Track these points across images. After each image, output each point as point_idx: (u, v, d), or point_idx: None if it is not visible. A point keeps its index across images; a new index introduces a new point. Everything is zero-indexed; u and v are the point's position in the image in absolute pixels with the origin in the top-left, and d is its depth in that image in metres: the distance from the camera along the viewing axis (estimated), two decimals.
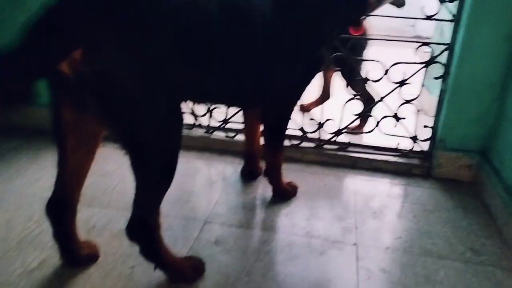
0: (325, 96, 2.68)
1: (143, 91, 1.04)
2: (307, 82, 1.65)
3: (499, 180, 1.79)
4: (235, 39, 1.32)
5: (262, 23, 1.38)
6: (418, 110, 2.08)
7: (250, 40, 1.36)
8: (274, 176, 1.80)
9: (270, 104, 1.64)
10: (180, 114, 1.18)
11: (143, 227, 1.23)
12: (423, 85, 2.10)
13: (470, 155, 2.00)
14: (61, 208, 1.27)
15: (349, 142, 2.21)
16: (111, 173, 1.89)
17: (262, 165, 1.92)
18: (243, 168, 2.01)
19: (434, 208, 1.81)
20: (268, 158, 1.79)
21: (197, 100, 1.48)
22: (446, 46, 1.96)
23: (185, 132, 2.28)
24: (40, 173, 1.90)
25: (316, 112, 2.70)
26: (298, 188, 1.87)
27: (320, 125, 2.21)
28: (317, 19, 1.53)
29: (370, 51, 2.48)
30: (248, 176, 1.98)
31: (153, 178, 1.18)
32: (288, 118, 1.70)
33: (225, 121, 2.26)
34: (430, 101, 2.52)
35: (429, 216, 1.75)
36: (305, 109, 2.73)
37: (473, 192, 1.94)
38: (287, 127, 1.71)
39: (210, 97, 1.50)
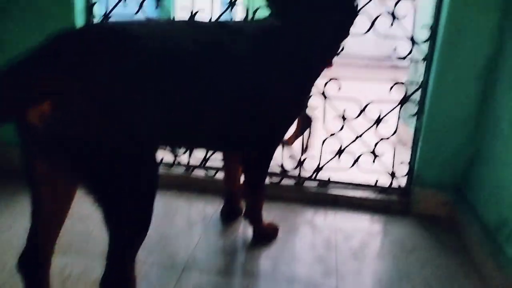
0: (304, 125, 2.67)
1: (111, 141, 1.02)
2: (290, 124, 1.66)
3: (475, 218, 1.82)
4: (215, 84, 1.32)
5: (244, 68, 1.39)
6: (395, 148, 2.11)
7: (232, 86, 1.37)
8: (254, 218, 1.79)
9: (251, 148, 1.64)
10: (154, 161, 1.16)
11: (118, 280, 1.20)
12: (399, 118, 2.13)
13: (447, 191, 2.03)
14: (34, 263, 1.23)
15: (329, 179, 2.22)
16: (88, 217, 1.85)
17: (243, 204, 1.91)
18: (223, 208, 1.99)
19: (413, 248, 1.81)
20: (248, 200, 1.78)
21: (174, 145, 1.47)
22: (419, 85, 2.02)
23: (164, 171, 2.26)
24: (14, 219, 1.85)
25: (295, 147, 2.72)
26: (278, 228, 1.86)
27: (300, 162, 2.22)
28: (301, 64, 1.56)
29: (349, 85, 2.53)
30: (229, 216, 1.96)
31: (127, 230, 1.16)
32: (269, 161, 1.70)
33: (205, 159, 2.25)
34: (408, 133, 2.57)
35: (409, 256, 1.75)
36: (287, 143, 2.73)
37: (451, 229, 1.96)
38: (268, 170, 1.72)
39: (188, 143, 1.49)
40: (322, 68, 1.69)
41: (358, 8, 1.71)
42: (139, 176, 1.11)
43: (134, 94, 1.05)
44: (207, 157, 2.24)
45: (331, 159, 2.21)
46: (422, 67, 2.02)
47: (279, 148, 2.11)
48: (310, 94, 2.02)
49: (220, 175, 2.19)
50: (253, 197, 1.76)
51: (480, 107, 1.89)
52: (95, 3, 2.08)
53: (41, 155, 1.07)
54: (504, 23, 1.75)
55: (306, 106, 1.65)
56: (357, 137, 2.16)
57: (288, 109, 1.59)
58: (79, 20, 2.04)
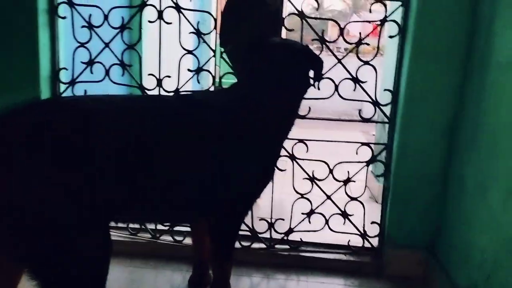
0: None
1: (57, 226, 0.99)
2: (260, 191, 1.65)
3: (447, 278, 1.80)
4: (179, 159, 1.32)
5: (206, 141, 1.39)
6: (364, 208, 2.11)
7: (194, 160, 1.36)
8: None
9: (219, 218, 1.60)
10: (104, 242, 1.12)
11: None
12: (366, 178, 2.15)
13: (419, 251, 2.02)
14: None
15: (301, 239, 2.18)
16: None
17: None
18: (191, 276, 1.91)
19: None
20: (215, 270, 1.72)
21: (132, 221, 1.43)
22: (384, 145, 2.06)
23: (129, 237, 2.17)
24: None
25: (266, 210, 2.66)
26: None
27: (271, 225, 2.18)
28: (265, 131, 1.57)
29: (318, 146, 2.55)
30: (197, 285, 1.88)
31: None
32: (238, 230, 1.67)
33: (173, 224, 2.18)
34: (379, 188, 2.59)
35: None
36: None
37: None
38: (236, 240, 1.68)
39: (149, 218, 1.45)
40: (287, 130, 1.71)
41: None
42: (88, 257, 1.06)
43: (82, 173, 1.03)
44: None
45: (302, 221, 2.18)
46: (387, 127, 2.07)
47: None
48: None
49: (189, 240, 2.12)
50: (221, 268, 1.69)
51: (445, 166, 1.93)
52: (61, 69, 2.08)
53: None
54: (464, 84, 1.83)
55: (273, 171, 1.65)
56: (327, 198, 2.16)
57: (255, 178, 1.58)
58: (44, 87, 2.02)
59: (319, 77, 1.71)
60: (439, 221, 1.97)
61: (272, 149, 1.60)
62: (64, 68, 2.09)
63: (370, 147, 2.08)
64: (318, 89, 1.77)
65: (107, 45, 2.03)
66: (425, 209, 1.99)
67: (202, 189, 1.42)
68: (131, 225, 2.19)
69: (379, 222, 2.12)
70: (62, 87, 2.09)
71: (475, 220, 1.63)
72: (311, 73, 1.71)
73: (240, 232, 2.10)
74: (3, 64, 1.97)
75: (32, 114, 1.05)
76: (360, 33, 1.95)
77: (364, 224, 2.13)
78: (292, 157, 2.13)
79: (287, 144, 2.12)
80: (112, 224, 1.44)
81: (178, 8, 1.97)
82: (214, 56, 2.03)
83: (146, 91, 2.05)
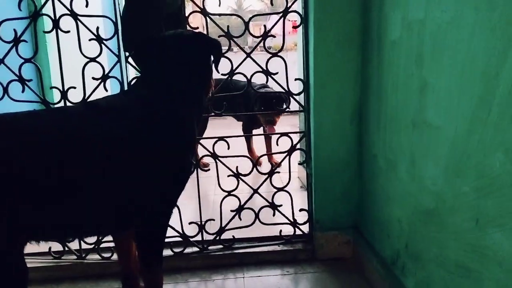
0: None
1: None
2: (178, 191, 1.61)
3: (373, 254, 1.87)
4: (85, 169, 1.26)
5: (116, 146, 1.34)
6: (291, 197, 2.14)
7: (105, 167, 1.31)
8: None
9: (142, 225, 1.55)
10: (18, 266, 1.04)
11: None
12: (289, 166, 2.18)
13: (345, 231, 2.08)
14: None
15: (233, 236, 2.17)
16: None
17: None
18: None
19: None
20: (145, 280, 1.65)
21: (49, 239, 1.35)
22: (302, 133, 2.10)
23: (53, 262, 2.05)
24: None
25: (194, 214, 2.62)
26: None
27: (201, 227, 2.15)
28: (174, 128, 1.53)
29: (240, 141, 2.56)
30: None
31: None
32: (163, 234, 1.61)
33: (99, 241, 2.08)
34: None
35: None
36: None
37: (355, 268, 2.00)
38: (163, 244, 1.63)
39: (67, 235, 1.38)
40: (196, 124, 1.68)
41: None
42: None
43: None
44: (101, 238, 2.08)
45: (232, 218, 2.17)
46: None
47: (177, 215, 2.04)
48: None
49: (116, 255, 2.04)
50: (151, 275, 1.64)
51: (359, 148, 2.01)
52: None
53: None
54: (366, 67, 1.91)
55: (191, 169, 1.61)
56: (254, 192, 2.16)
57: (168, 179, 1.53)
58: None
59: (218, 60, 1.68)
60: (360, 200, 2.05)
61: (182, 147, 1.57)
62: None
63: (289, 137, 2.11)
64: (218, 72, 1.75)
65: (1, 61, 1.89)
66: (346, 190, 2.06)
67: (115, 198, 1.36)
68: (53, 249, 2.07)
69: (307, 208, 2.16)
70: None
71: (390, 194, 1.71)
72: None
73: (171, 239, 2.07)
74: None
75: None
76: (265, 26, 1.98)
77: (293, 213, 2.16)
78: (215, 156, 2.12)
79: (208, 143, 2.11)
80: (32, 250, 1.36)
81: (74, 15, 1.88)
82: (119, 61, 1.96)
83: (50, 105, 1.94)
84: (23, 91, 1.93)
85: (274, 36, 1.99)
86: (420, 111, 1.42)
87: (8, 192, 1.05)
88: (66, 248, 2.08)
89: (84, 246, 2.07)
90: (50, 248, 2.06)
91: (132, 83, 1.66)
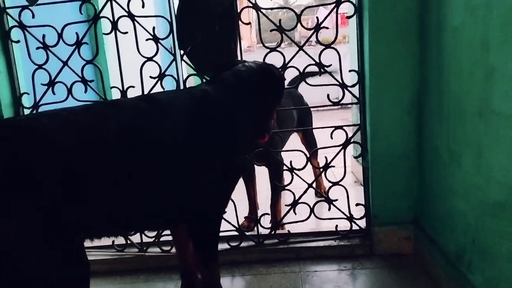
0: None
1: (23, 254, 0.96)
2: (229, 191, 1.62)
3: (436, 249, 1.80)
4: (143, 163, 1.28)
5: (172, 141, 1.36)
6: (347, 192, 2.10)
7: (162, 160, 1.33)
8: None
9: (195, 219, 1.58)
10: (79, 261, 1.09)
11: None
12: (345, 160, 2.14)
13: (405, 226, 2.02)
14: None
15: (289, 231, 2.17)
16: None
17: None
18: (182, 285, 1.87)
19: None
20: (203, 274, 1.69)
21: (111, 234, 1.40)
22: (358, 126, 2.06)
23: (116, 255, 2.14)
24: None
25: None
26: None
27: (257, 221, 2.16)
28: (231, 131, 1.55)
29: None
30: None
31: None
32: (217, 230, 1.63)
33: (159, 235, 2.15)
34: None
35: None
36: (245, 228, 2.38)
37: (416, 264, 1.93)
38: (218, 239, 1.65)
39: (125, 229, 1.42)
40: (255, 135, 1.70)
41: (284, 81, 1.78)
42: (62, 283, 1.03)
43: (41, 195, 1.00)
44: (160, 232, 2.15)
45: (287, 213, 2.17)
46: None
47: (233, 210, 2.07)
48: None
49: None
50: (207, 269, 1.67)
51: (418, 140, 1.93)
52: (23, 94, 2.04)
53: None
54: (424, 56, 1.83)
55: (243, 171, 1.63)
56: (308, 186, 2.15)
57: (221, 177, 1.55)
58: (7, 113, 1.98)
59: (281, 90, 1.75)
60: (420, 194, 1.97)
61: (234, 149, 1.58)
62: (26, 93, 2.05)
63: (344, 130, 2.07)
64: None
65: (65, 63, 2.00)
66: (405, 184, 1.99)
67: (170, 193, 1.39)
68: (116, 242, 2.16)
69: (363, 203, 2.11)
70: (26, 112, 2.05)
71: (453, 188, 1.63)
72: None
73: (227, 233, 2.10)
74: None
75: None
76: (317, 18, 1.95)
77: (349, 208, 2.12)
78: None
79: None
80: (96, 244, 1.42)
81: (131, 16, 1.94)
82: (175, 60, 2.01)
83: None
84: (85, 91, 2.02)
85: (327, 28, 1.96)
86: (486, 99, 1.34)
87: (67, 187, 1.08)
88: (128, 242, 2.17)
89: (145, 239, 2.15)
90: (113, 242, 2.16)
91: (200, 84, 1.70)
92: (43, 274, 1.00)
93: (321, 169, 2.10)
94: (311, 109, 2.79)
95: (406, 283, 1.81)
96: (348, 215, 2.12)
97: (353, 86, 2.01)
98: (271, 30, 1.96)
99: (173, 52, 2.01)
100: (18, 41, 2.01)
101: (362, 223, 2.14)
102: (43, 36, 1.98)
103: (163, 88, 2.01)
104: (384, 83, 1.89)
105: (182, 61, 2.03)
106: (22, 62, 2.05)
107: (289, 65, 1.99)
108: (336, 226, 2.14)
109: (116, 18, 1.95)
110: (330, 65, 1.98)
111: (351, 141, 2.08)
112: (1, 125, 1.07)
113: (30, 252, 0.98)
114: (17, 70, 2.03)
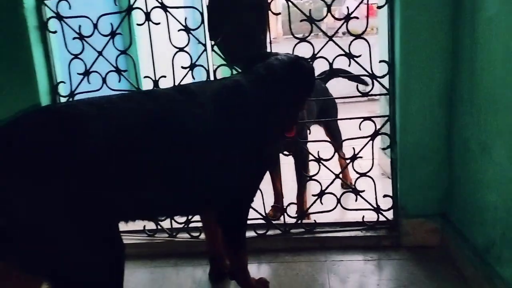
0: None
1: (64, 235, 1.01)
2: (257, 180, 1.65)
3: (464, 242, 1.79)
4: (176, 151, 1.33)
5: (204, 129, 1.40)
6: (374, 183, 2.10)
7: (193, 149, 1.37)
8: (240, 278, 1.73)
9: (223, 207, 1.62)
10: (116, 242, 1.14)
11: None
12: (372, 152, 2.13)
13: (433, 219, 2.01)
14: None
15: (315, 221, 2.19)
16: None
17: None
18: (210, 270, 1.93)
19: (409, 282, 1.77)
20: (231, 260, 1.74)
21: (143, 218, 1.45)
22: (387, 117, 2.05)
23: (147, 239, 2.21)
24: None
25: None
26: (269, 283, 1.81)
27: (284, 210, 2.19)
28: (263, 122, 1.58)
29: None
30: (217, 277, 1.90)
31: None
32: (244, 218, 1.67)
33: (188, 221, 2.21)
34: (389, 164, 2.56)
35: None
36: (270, 217, 2.36)
37: (443, 257, 1.92)
38: (245, 227, 1.69)
39: (157, 213, 1.48)
40: (285, 127, 1.72)
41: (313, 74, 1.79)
42: (101, 261, 1.08)
43: (77, 180, 1.04)
44: (190, 218, 2.21)
45: (313, 203, 2.19)
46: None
47: (260, 198, 2.10)
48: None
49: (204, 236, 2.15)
50: (235, 255, 1.71)
51: (448, 132, 1.91)
52: (59, 83, 2.11)
53: None
54: (456, 46, 1.81)
55: (272, 162, 1.66)
56: (336, 177, 2.16)
57: (251, 167, 1.58)
58: (45, 101, 2.06)
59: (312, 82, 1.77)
60: (449, 186, 1.96)
61: (264, 137, 1.61)
62: (62, 82, 2.12)
63: (373, 121, 2.07)
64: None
65: (100, 53, 2.06)
66: (434, 176, 1.97)
67: (202, 179, 1.43)
68: (147, 227, 2.23)
69: (391, 195, 2.11)
70: (62, 100, 2.13)
71: (484, 180, 1.62)
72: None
73: (254, 221, 2.14)
74: (2, 84, 2.01)
75: (19, 126, 1.07)
76: (347, 8, 1.94)
77: (376, 199, 2.13)
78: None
79: None
80: (128, 228, 1.48)
81: (164, 7, 1.99)
82: (205, 50, 2.04)
83: None
84: (119, 80, 2.08)
85: (357, 18, 1.95)
86: None
87: (105, 173, 1.12)
88: (159, 227, 2.23)
89: (175, 225, 2.21)
90: (144, 227, 2.23)
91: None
92: (84, 253, 1.05)
93: (349, 160, 2.11)
94: (338, 100, 2.79)
95: (432, 275, 1.81)
96: (375, 206, 2.13)
97: (382, 77, 2.00)
98: (301, 21, 1.97)
99: (204, 42, 2.04)
100: (55, 32, 2.08)
101: (389, 214, 2.14)
102: (79, 26, 2.05)
103: (194, 78, 2.05)
104: (414, 74, 1.88)
105: (213, 52, 2.06)
106: (59, 52, 2.13)
107: (318, 55, 2.00)
108: (363, 217, 2.14)
109: (149, 9, 2.00)
110: (360, 55, 1.97)
111: (380, 132, 2.08)
112: (42, 111, 1.12)
113: (75, 234, 1.03)
114: (54, 60, 2.10)
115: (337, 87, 2.72)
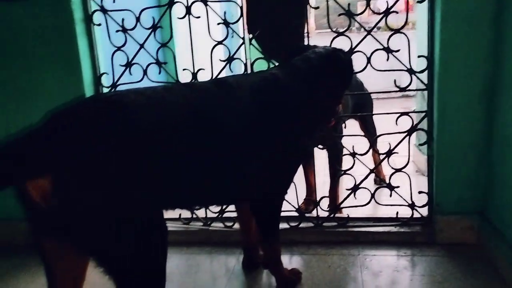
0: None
1: (116, 217, 1.06)
2: (292, 173, 1.68)
3: (502, 240, 1.76)
4: (215, 143, 1.36)
5: (241, 122, 1.43)
6: (410, 178, 2.09)
7: (231, 141, 1.41)
8: (273, 267, 1.77)
9: (258, 198, 1.65)
10: (161, 228, 1.19)
11: None
12: (409, 147, 2.12)
13: (469, 217, 1.98)
14: None
15: (348, 215, 2.20)
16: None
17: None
18: (243, 259, 1.97)
19: (444, 279, 1.76)
20: (264, 250, 1.78)
21: (182, 207, 1.50)
22: (424, 113, 2.03)
23: (183, 227, 2.28)
24: None
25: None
26: (301, 274, 1.83)
27: (316, 203, 2.21)
28: (299, 115, 1.60)
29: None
30: (250, 267, 1.94)
31: None
32: (278, 209, 1.70)
33: (222, 211, 2.26)
34: (424, 161, 2.53)
35: None
36: (302, 210, 2.40)
37: (479, 255, 1.90)
38: (279, 218, 1.72)
39: (194, 202, 1.52)
40: (322, 120, 1.73)
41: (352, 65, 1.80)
42: (147, 244, 1.14)
43: (131, 165, 1.09)
44: (224, 208, 2.25)
45: (347, 197, 2.19)
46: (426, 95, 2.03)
47: (294, 191, 2.12)
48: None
49: (238, 226, 2.19)
50: (269, 246, 1.75)
51: (488, 129, 1.88)
52: (102, 74, 2.19)
53: (49, 233, 1.11)
54: (499, 41, 1.77)
55: (307, 155, 1.68)
56: (370, 172, 2.16)
57: (286, 159, 1.61)
58: (89, 91, 2.14)
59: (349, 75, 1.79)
60: (487, 184, 1.92)
61: (301, 133, 1.63)
62: (105, 73, 2.20)
63: (410, 116, 2.06)
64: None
65: (142, 46, 2.12)
66: (472, 173, 1.95)
67: (239, 171, 1.46)
68: (183, 216, 2.29)
69: (426, 191, 2.09)
70: (105, 91, 2.21)
71: None
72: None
73: (288, 213, 2.16)
74: (48, 76, 2.11)
75: (76, 112, 1.12)
76: (387, 2, 1.93)
77: (411, 195, 2.11)
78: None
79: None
80: (165, 216, 1.53)
81: (204, 1, 2.03)
82: (244, 43, 2.07)
83: None
84: (159, 73, 2.15)
85: (396, 12, 1.94)
86: None
87: (152, 160, 1.16)
88: (194, 216, 2.29)
89: (209, 214, 2.26)
90: (180, 215, 2.29)
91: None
92: (134, 235, 1.11)
93: (384, 155, 2.10)
94: (373, 95, 2.77)
95: (467, 272, 1.79)
96: (410, 202, 2.11)
97: (421, 72, 1.98)
98: (339, 15, 1.97)
99: (242, 36, 2.07)
100: (99, 24, 2.15)
101: (424, 211, 2.12)
102: (122, 19, 2.11)
103: (231, 71, 2.09)
104: (454, 70, 1.85)
105: (250, 45, 2.09)
106: (102, 44, 2.21)
107: (356, 50, 1.99)
108: (397, 212, 2.14)
109: (190, 3, 2.05)
110: (399, 50, 1.95)
111: (417, 128, 2.06)
112: (95, 99, 1.17)
113: (126, 216, 1.08)
114: (98, 52, 2.18)
115: (372, 82, 2.70)
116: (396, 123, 2.04)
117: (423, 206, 2.11)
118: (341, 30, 2.01)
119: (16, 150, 1.00)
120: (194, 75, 2.12)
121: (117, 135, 1.09)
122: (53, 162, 1.00)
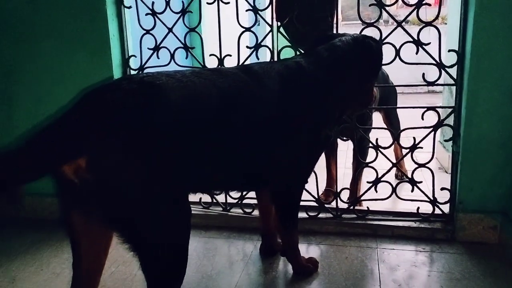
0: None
1: (147, 195, 1.09)
2: (313, 162, 1.68)
3: None
4: (240, 128, 1.38)
5: (265, 109, 1.44)
6: (433, 174, 2.06)
7: (255, 127, 1.42)
8: (291, 255, 1.78)
9: (278, 185, 1.67)
10: (186, 209, 1.22)
11: None
12: (434, 143, 2.09)
13: (492, 216, 1.95)
14: None
15: (368, 208, 2.19)
16: (131, 261, 1.91)
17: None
18: (261, 245, 1.99)
19: (462, 276, 1.74)
20: (282, 238, 1.79)
21: (205, 190, 1.53)
22: (452, 109, 2.00)
23: (202, 210, 2.31)
24: (61, 267, 1.93)
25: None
26: (318, 263, 1.84)
27: (337, 194, 2.21)
28: (323, 104, 1.61)
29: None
30: (268, 253, 1.96)
31: (164, 275, 1.19)
32: (298, 198, 1.71)
33: (242, 197, 2.28)
34: (448, 158, 2.49)
35: (458, 286, 1.68)
36: (322, 200, 2.36)
37: (500, 254, 1.87)
38: (298, 207, 1.73)
39: (217, 187, 1.55)
40: (347, 108, 1.73)
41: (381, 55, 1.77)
42: (175, 222, 1.17)
43: (164, 145, 1.12)
44: (244, 195, 2.27)
45: (368, 189, 2.18)
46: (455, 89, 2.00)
47: (314, 181, 2.13)
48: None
49: (257, 212, 2.21)
50: (287, 234, 1.76)
51: None
52: (131, 57, 2.22)
53: (78, 207, 1.15)
54: None
55: (329, 145, 1.68)
56: (393, 166, 2.14)
57: (308, 148, 1.61)
58: (117, 73, 2.18)
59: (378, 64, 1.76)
60: None
61: (321, 119, 1.62)
62: (133, 56, 2.23)
63: (437, 111, 2.02)
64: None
65: (170, 30, 2.14)
66: (498, 172, 1.91)
67: (262, 158, 1.48)
68: (203, 200, 2.32)
69: (449, 188, 2.07)
70: (133, 73, 2.24)
71: None
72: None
73: (307, 203, 2.17)
74: (78, 56, 2.15)
75: (111, 92, 1.15)
76: None
77: (433, 191, 2.09)
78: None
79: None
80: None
81: None
82: (271, 31, 2.07)
83: None
84: (186, 57, 2.16)
85: (429, 5, 1.90)
86: None
87: (180, 144, 1.18)
88: (214, 200, 2.32)
89: (229, 200, 2.29)
90: (200, 199, 2.32)
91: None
92: (162, 213, 1.14)
93: (408, 150, 2.08)
94: (399, 90, 2.74)
95: (487, 272, 1.77)
96: (432, 198, 2.09)
97: (451, 66, 1.95)
98: (370, 5, 1.94)
99: (270, 23, 2.07)
100: (129, 7, 2.18)
101: (445, 208, 2.10)
102: (153, 3, 2.13)
103: (258, 58, 2.09)
104: (485, 66, 1.81)
105: (279, 33, 2.09)
106: (131, 27, 2.23)
107: (385, 41, 1.97)
108: (418, 208, 2.12)
109: None
110: (429, 43, 1.92)
111: (443, 123, 2.03)
112: (128, 80, 1.19)
113: (155, 194, 1.11)
114: (127, 34, 2.21)
115: (398, 76, 2.66)
116: (422, 118, 2.01)
117: (445, 203, 2.09)
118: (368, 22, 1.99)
119: (53, 136, 1.03)
120: (221, 60, 2.13)
121: (150, 116, 1.11)
122: (90, 144, 1.02)
